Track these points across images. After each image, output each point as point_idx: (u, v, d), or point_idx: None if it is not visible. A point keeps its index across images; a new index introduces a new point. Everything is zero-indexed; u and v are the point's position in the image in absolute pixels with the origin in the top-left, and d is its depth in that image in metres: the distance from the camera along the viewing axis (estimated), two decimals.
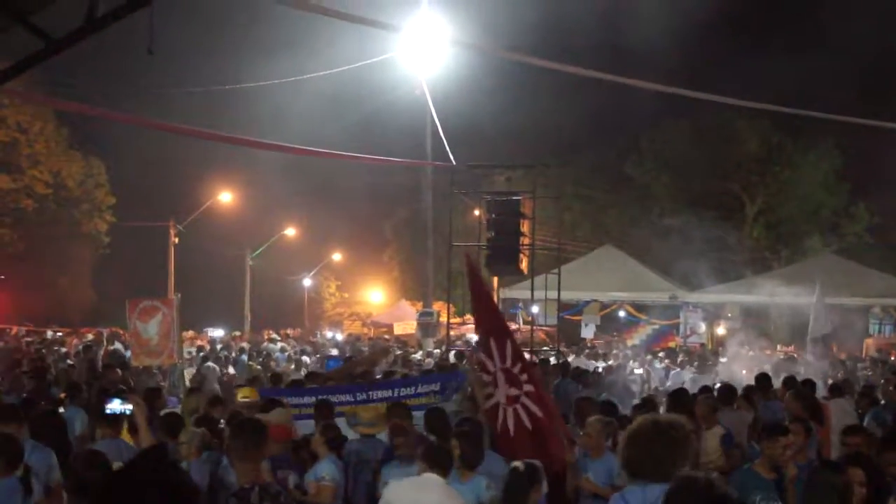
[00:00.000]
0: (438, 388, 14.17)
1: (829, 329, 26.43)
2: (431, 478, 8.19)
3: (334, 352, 34.48)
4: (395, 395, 13.85)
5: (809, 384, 16.00)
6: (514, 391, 10.87)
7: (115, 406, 10.60)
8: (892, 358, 34.60)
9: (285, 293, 67.87)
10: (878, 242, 52.43)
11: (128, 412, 10.46)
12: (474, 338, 38.60)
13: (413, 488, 8.15)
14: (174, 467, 3.20)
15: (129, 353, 24.14)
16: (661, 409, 14.13)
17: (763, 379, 16.37)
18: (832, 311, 37.50)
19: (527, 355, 11.93)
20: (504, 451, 10.36)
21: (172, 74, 34.74)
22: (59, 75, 30.82)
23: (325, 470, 10.18)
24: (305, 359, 32.00)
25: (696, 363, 29.07)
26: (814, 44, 47.87)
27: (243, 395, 13.25)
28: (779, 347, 34.57)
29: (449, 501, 8.10)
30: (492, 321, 11.76)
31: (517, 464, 8.53)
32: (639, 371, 28.82)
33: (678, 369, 28.01)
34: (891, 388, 18.43)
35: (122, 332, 30.69)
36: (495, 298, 12.73)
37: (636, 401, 17.05)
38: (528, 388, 10.83)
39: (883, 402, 16.71)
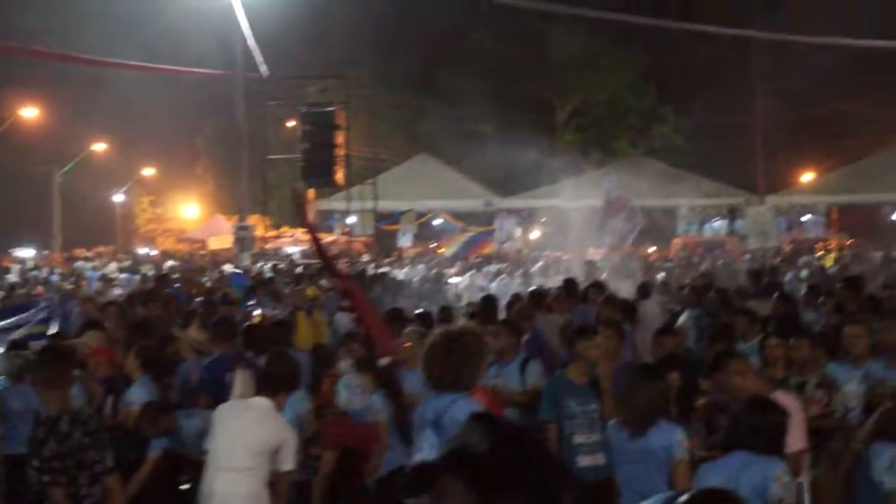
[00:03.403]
0: (46, 317, 14.21)
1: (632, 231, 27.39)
2: (255, 401, 8.17)
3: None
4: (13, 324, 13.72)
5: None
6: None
7: None
8: (697, 258, 35.70)
9: (97, 210, 66.19)
10: (686, 144, 53.70)
11: None
12: (291, 250, 38.59)
13: (236, 410, 8.12)
14: None
15: None
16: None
17: (571, 284, 16.60)
18: (641, 212, 38.59)
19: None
20: None
21: None
22: None
23: (136, 395, 9.86)
24: (123, 276, 31.35)
25: (520, 271, 29.47)
26: None
27: None
28: (590, 251, 35.22)
29: (264, 421, 8.09)
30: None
31: None
32: (455, 280, 29.10)
33: (506, 277, 28.23)
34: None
35: None
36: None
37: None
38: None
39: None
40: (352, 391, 9.01)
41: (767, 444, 6.21)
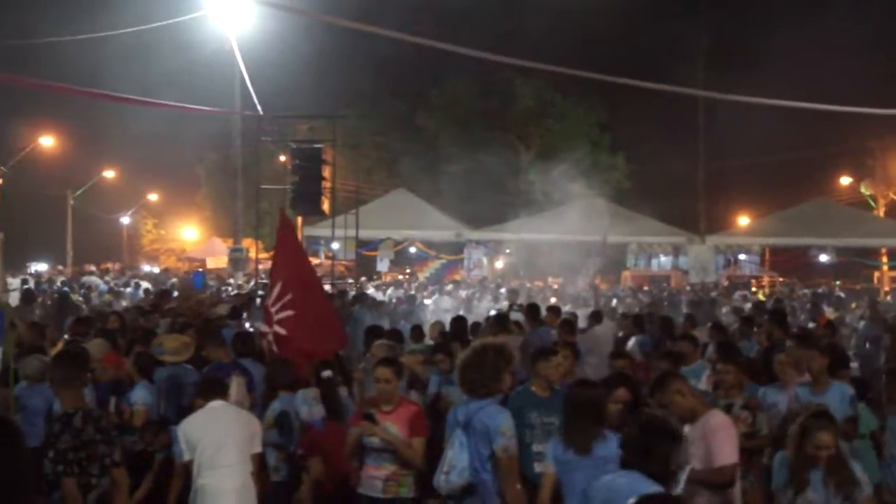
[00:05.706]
0: None
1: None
2: (218, 405, 8.22)
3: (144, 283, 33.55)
4: None
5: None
6: (264, 328, 11.41)
7: None
8: (645, 288, 35.92)
9: (105, 230, 66.15)
10: (635, 187, 54.16)
11: None
12: None
13: (207, 418, 8.13)
14: None
15: None
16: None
17: (532, 308, 16.69)
18: (597, 246, 39.08)
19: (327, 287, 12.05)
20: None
21: None
22: None
23: (138, 395, 10.12)
24: (128, 290, 31.22)
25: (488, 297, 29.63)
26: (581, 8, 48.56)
27: None
28: (549, 280, 35.45)
29: (238, 416, 8.30)
30: (282, 267, 11.87)
31: None
32: (427, 301, 29.19)
33: (473, 301, 28.35)
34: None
35: None
36: (298, 239, 13.00)
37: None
38: (281, 315, 11.02)
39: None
40: (309, 404, 8.97)
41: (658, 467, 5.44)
